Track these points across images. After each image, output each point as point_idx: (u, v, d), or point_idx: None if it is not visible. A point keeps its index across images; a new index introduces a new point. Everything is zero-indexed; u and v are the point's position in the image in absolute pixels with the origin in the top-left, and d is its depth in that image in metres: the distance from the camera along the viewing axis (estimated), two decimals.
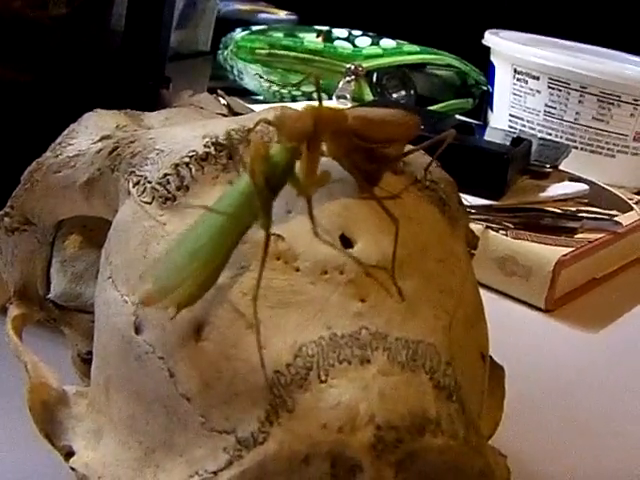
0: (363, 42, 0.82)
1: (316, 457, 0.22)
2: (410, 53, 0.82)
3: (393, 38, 0.83)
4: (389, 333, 0.24)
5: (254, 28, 0.84)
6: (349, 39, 0.82)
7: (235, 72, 0.84)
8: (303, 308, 0.24)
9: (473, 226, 0.55)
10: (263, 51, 0.80)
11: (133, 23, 0.50)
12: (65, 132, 0.32)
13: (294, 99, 0.82)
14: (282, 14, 0.94)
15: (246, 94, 0.84)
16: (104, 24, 0.51)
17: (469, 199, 0.58)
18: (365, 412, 0.22)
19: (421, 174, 0.29)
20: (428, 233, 0.27)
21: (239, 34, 0.82)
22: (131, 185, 0.28)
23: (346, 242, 0.26)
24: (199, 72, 0.64)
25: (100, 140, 0.30)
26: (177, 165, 0.27)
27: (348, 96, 0.78)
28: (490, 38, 0.77)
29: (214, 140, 0.28)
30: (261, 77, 0.80)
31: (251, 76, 0.82)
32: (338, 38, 0.82)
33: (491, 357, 0.32)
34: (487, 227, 0.55)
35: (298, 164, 0.25)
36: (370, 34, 0.83)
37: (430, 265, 0.27)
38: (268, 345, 0.24)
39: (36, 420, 0.27)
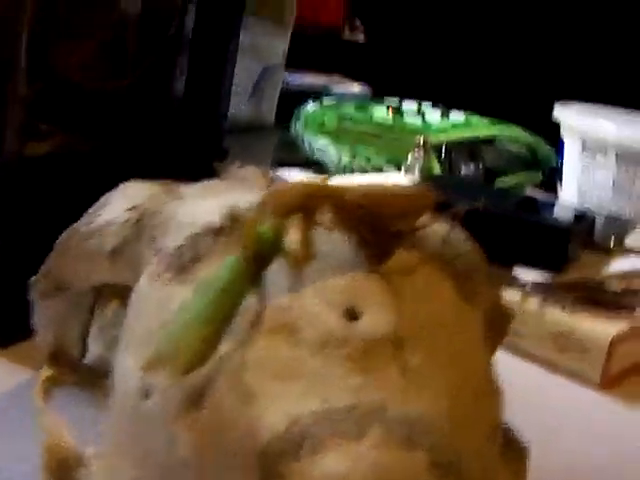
0: (432, 116, 0.82)
1: None
2: (479, 127, 0.82)
3: (463, 110, 0.83)
4: (387, 408, 0.24)
5: (325, 101, 0.86)
6: (419, 112, 0.83)
7: (307, 145, 0.85)
8: (301, 380, 0.24)
9: (531, 300, 0.55)
10: (332, 124, 0.81)
11: (191, 95, 0.52)
12: (100, 200, 0.33)
13: (364, 172, 0.83)
14: (355, 86, 0.95)
15: (319, 167, 0.86)
16: (164, 95, 0.52)
17: (529, 274, 0.58)
18: None
19: (439, 248, 0.29)
20: (439, 308, 0.27)
21: (309, 107, 0.84)
22: (152, 254, 0.29)
23: (352, 316, 0.26)
24: (263, 145, 0.65)
25: (129, 210, 0.31)
26: (192, 237, 0.28)
27: (416, 170, 0.78)
28: (559, 111, 0.77)
29: (230, 213, 0.28)
30: (330, 150, 0.81)
31: (321, 149, 0.84)
32: (408, 112, 0.83)
33: (513, 432, 0.32)
34: (544, 302, 0.54)
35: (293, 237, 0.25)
36: (440, 107, 0.84)
37: (438, 340, 0.26)
38: (263, 415, 0.24)
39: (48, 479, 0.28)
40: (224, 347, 0.25)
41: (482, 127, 0.82)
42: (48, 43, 0.46)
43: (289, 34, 0.63)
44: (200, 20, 0.52)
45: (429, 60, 1.08)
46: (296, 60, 1.02)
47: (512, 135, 0.84)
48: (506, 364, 0.52)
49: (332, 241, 0.27)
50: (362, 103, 0.86)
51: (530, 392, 0.49)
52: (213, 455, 0.24)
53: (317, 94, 0.91)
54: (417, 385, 0.25)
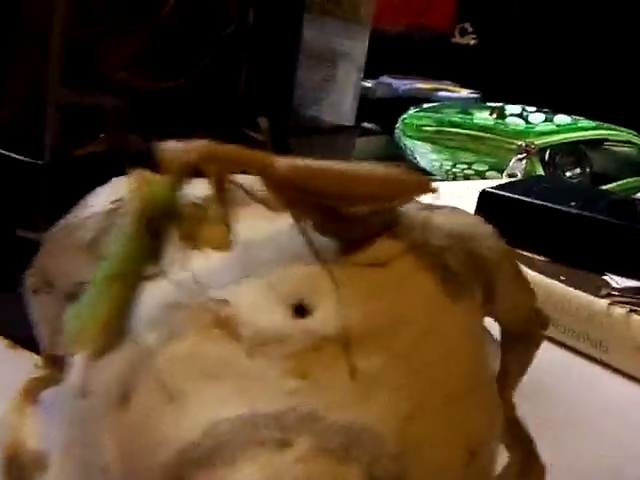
0: (536, 118, 0.78)
1: None
2: (586, 129, 0.77)
3: (571, 114, 0.78)
4: (324, 416, 0.21)
5: (425, 106, 0.82)
6: (522, 115, 0.78)
7: (409, 151, 0.82)
8: (230, 381, 0.22)
9: (617, 310, 0.50)
10: (430, 128, 0.78)
11: (253, 94, 0.50)
12: (89, 194, 0.32)
13: (467, 178, 0.79)
14: (464, 92, 0.91)
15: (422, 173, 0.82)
16: (223, 94, 0.51)
17: (618, 280, 0.53)
18: None
19: (427, 239, 0.26)
20: (410, 306, 0.24)
21: (409, 112, 0.81)
22: None
23: (300, 311, 0.23)
24: (341, 146, 0.63)
25: (114, 201, 0.30)
26: None
27: (519, 174, 0.74)
28: None
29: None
30: (430, 156, 0.78)
31: (422, 154, 0.80)
32: (511, 115, 0.78)
33: (533, 451, 0.28)
34: (631, 311, 0.49)
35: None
36: (545, 110, 0.79)
37: (406, 341, 0.23)
38: (182, 419, 0.21)
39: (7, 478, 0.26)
40: (151, 339, 0.23)
41: (589, 129, 0.77)
42: (91, 43, 0.45)
43: (367, 34, 0.61)
44: (260, 17, 0.50)
45: (539, 63, 1.03)
46: (405, 66, 0.99)
47: (621, 137, 0.78)
48: (589, 377, 0.48)
49: (283, 226, 0.24)
50: (464, 107, 0.82)
51: (614, 408, 0.44)
52: (128, 463, 0.21)
53: (425, 100, 0.88)
54: (367, 391, 0.22)
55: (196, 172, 0.22)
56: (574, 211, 0.56)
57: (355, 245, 0.25)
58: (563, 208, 0.56)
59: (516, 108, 0.80)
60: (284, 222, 0.25)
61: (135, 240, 0.22)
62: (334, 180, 0.24)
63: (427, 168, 0.83)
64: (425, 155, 0.80)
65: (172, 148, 0.22)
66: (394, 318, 0.23)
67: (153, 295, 0.24)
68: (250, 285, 0.23)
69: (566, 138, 0.76)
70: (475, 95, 0.92)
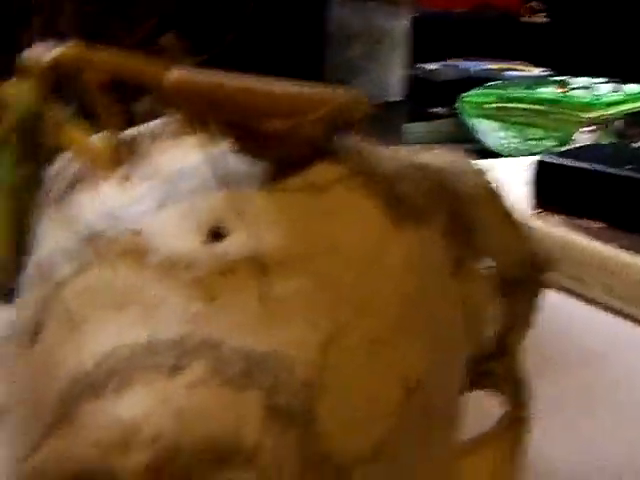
0: (604, 89, 0.74)
1: (85, 475, 0.18)
2: None
3: None
4: (225, 342, 0.19)
5: (488, 84, 0.79)
6: (588, 87, 0.74)
7: (475, 131, 0.80)
8: (135, 309, 0.20)
9: None
10: (491, 105, 0.75)
11: (279, 68, 0.49)
12: None
13: (533, 154, 0.76)
14: (536, 71, 0.88)
15: (491, 154, 0.80)
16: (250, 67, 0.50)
17: None
18: (150, 430, 0.18)
19: (374, 167, 0.24)
20: (345, 231, 0.22)
21: (472, 91, 0.78)
22: None
23: (215, 237, 0.22)
24: (387, 123, 0.61)
25: None
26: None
27: None
28: None
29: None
30: (495, 133, 0.75)
31: (487, 133, 0.77)
32: (577, 87, 0.75)
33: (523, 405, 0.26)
34: None
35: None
36: (613, 80, 0.75)
37: (333, 267, 0.21)
38: (81, 349, 0.20)
39: None
40: (62, 273, 0.21)
41: None
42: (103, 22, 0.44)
43: (408, 13, 0.59)
44: None
45: (610, 37, 0.98)
46: (474, 47, 0.96)
47: None
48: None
49: (209, 156, 0.22)
50: (529, 83, 0.78)
51: None
52: (31, 399, 0.20)
53: (493, 80, 0.85)
54: (277, 316, 0.20)
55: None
56: (630, 174, 0.52)
57: (289, 172, 0.23)
58: (619, 172, 0.53)
59: (582, 80, 0.76)
60: (212, 150, 0.23)
61: (5, 147, 0.21)
62: (233, 92, 0.22)
63: (495, 148, 0.80)
64: (491, 133, 0.77)
65: (37, 51, 0.20)
66: (324, 242, 0.21)
67: (68, 228, 0.22)
68: (165, 214, 0.22)
69: (635, 107, 0.72)
70: (546, 73, 0.88)
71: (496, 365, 0.28)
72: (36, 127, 0.20)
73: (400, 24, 0.62)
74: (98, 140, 0.21)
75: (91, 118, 0.21)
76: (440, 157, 0.28)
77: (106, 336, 0.20)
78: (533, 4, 1.04)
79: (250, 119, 0.22)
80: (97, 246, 0.22)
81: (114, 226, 0.22)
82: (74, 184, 0.24)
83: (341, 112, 0.23)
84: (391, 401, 0.20)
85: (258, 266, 0.20)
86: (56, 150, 0.21)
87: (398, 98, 0.60)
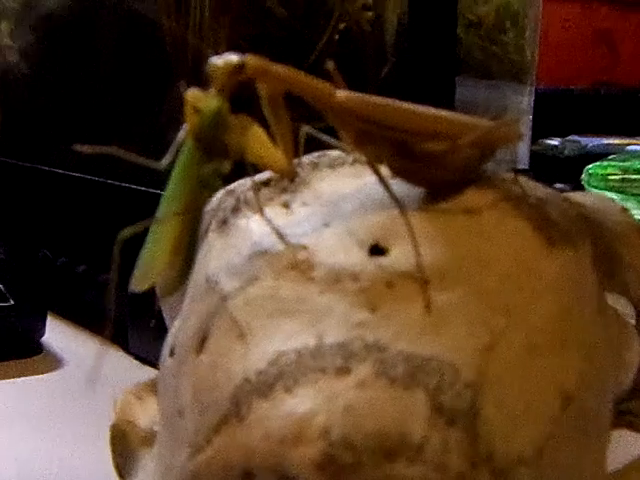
0: None
1: (255, 469, 0.19)
2: None
3: None
4: (390, 346, 0.20)
5: (611, 157, 0.79)
6: None
7: None
8: (301, 317, 0.21)
9: None
10: (616, 177, 0.75)
11: None
12: None
13: None
14: None
15: None
16: None
17: None
18: (319, 425, 0.19)
19: (524, 192, 0.25)
20: (498, 248, 0.23)
21: (594, 164, 0.78)
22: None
23: (379, 252, 0.22)
24: None
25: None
26: (243, 191, 0.26)
27: None
28: None
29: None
30: None
31: None
32: None
33: None
34: None
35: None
36: None
37: (488, 280, 0.22)
38: (250, 353, 0.21)
39: (113, 456, 0.27)
40: (229, 286, 0.23)
41: None
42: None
43: (531, 90, 0.60)
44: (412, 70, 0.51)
45: None
46: (595, 124, 0.96)
47: None
48: None
49: (368, 182, 0.24)
50: None
51: None
52: (200, 401, 0.21)
53: (612, 154, 0.85)
54: (440, 326, 0.21)
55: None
56: None
57: (442, 194, 0.24)
58: None
59: None
60: (369, 178, 0.25)
61: (189, 157, 0.22)
62: (396, 112, 0.23)
63: None
64: None
65: (222, 58, 0.22)
66: (478, 258, 0.22)
67: (234, 247, 0.24)
68: (329, 232, 0.23)
69: None
70: None
71: (634, 404, 0.28)
72: (220, 130, 0.22)
73: (524, 100, 0.63)
74: (279, 148, 0.22)
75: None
76: (584, 195, 0.29)
77: (274, 341, 0.21)
78: None
79: (411, 139, 0.23)
80: (262, 261, 0.23)
81: (279, 243, 0.23)
82: (236, 211, 0.25)
83: (494, 138, 0.24)
84: (549, 407, 0.21)
85: (420, 279, 0.21)
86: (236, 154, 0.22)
87: (526, 166, 0.61)
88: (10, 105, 0.70)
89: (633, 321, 0.29)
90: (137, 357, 0.49)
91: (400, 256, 0.22)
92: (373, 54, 0.53)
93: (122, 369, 0.47)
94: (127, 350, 0.50)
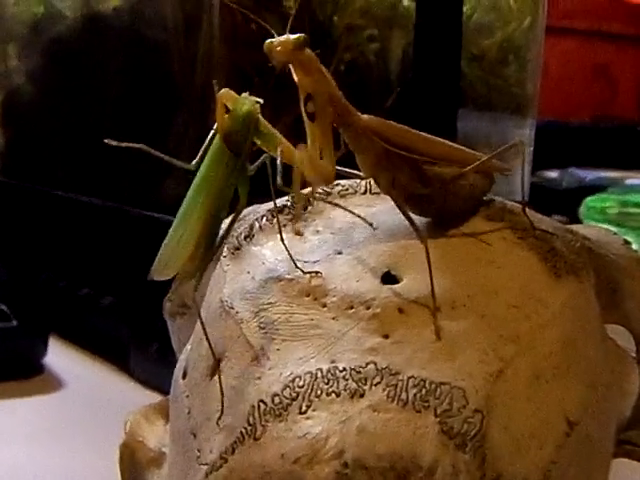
0: None
1: None
2: None
3: None
4: (402, 371, 0.21)
5: (609, 190, 0.80)
6: None
7: None
8: (315, 342, 0.22)
9: None
10: (613, 210, 0.76)
11: None
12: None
13: None
14: None
15: None
16: None
17: None
18: (333, 446, 0.19)
19: (531, 223, 0.25)
20: (506, 278, 0.23)
21: (591, 197, 0.79)
22: None
23: (391, 280, 0.23)
24: None
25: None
26: (257, 218, 0.27)
27: None
28: None
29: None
30: None
31: None
32: None
33: None
34: None
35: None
36: None
37: (497, 309, 0.23)
38: (265, 376, 0.22)
39: (121, 475, 0.27)
40: (243, 309, 0.23)
41: None
42: None
43: (532, 123, 0.61)
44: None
45: None
46: (593, 156, 0.97)
47: None
48: None
49: (378, 210, 0.24)
50: None
51: None
52: (213, 421, 0.22)
53: (609, 187, 0.86)
54: (451, 350, 0.21)
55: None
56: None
57: (452, 223, 0.25)
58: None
59: None
60: (379, 207, 0.25)
61: (217, 154, 0.22)
62: (413, 135, 0.24)
63: None
64: None
65: (284, 37, 0.22)
66: (488, 287, 0.23)
67: (248, 273, 0.24)
68: (342, 260, 0.24)
69: None
70: None
71: (634, 434, 0.29)
72: (251, 132, 0.22)
73: (525, 132, 0.64)
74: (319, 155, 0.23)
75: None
76: (587, 228, 0.29)
77: (288, 365, 0.21)
78: None
79: (425, 162, 0.24)
80: (277, 287, 0.23)
81: (293, 269, 0.23)
82: (250, 237, 0.26)
83: (497, 165, 0.25)
84: (554, 433, 0.21)
85: (432, 306, 0.22)
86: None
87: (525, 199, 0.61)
88: (15, 127, 0.70)
89: (633, 353, 0.29)
90: (138, 380, 0.49)
91: (411, 284, 0.23)
92: (377, 85, 0.53)
93: (123, 392, 0.48)
94: (129, 373, 0.50)
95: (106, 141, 0.23)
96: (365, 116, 0.24)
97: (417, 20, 0.50)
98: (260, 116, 0.22)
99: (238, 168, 0.22)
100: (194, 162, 0.23)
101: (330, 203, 0.25)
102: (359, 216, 0.25)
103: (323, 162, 0.22)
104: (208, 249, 0.23)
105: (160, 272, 0.23)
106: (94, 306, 0.55)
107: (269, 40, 0.22)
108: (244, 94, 0.22)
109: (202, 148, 0.23)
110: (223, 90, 0.22)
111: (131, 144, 0.23)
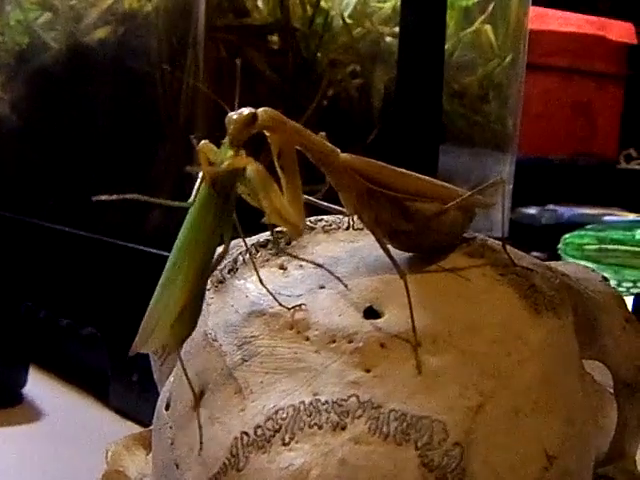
0: None
1: None
2: None
3: None
4: (384, 404, 0.21)
5: (588, 226, 0.81)
6: None
7: None
8: (297, 375, 0.22)
9: None
10: (592, 247, 0.77)
11: None
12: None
13: (631, 295, 0.76)
14: (631, 216, 0.89)
15: None
16: None
17: None
18: (315, 477, 0.20)
19: (511, 260, 0.26)
20: (487, 314, 0.24)
21: (570, 234, 0.80)
22: None
23: (373, 314, 0.23)
24: None
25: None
26: (240, 252, 0.27)
27: None
28: None
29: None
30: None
31: None
32: None
33: None
34: None
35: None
36: None
37: (477, 345, 0.23)
38: (248, 409, 0.22)
39: None
40: (226, 342, 0.23)
41: None
42: None
43: (512, 159, 0.62)
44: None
45: None
46: (572, 193, 0.98)
47: None
48: None
49: (361, 246, 0.25)
50: (628, 227, 0.80)
51: None
52: (197, 452, 0.22)
53: (588, 224, 0.87)
54: (432, 384, 0.22)
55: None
56: None
57: (433, 259, 0.25)
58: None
59: None
60: (362, 243, 0.26)
61: (205, 200, 0.23)
62: (394, 173, 0.25)
63: None
64: None
65: (237, 114, 0.23)
66: (468, 323, 0.23)
67: (232, 306, 0.25)
68: (324, 294, 0.24)
69: None
70: None
71: (611, 469, 0.29)
72: (230, 185, 0.23)
73: (505, 169, 0.65)
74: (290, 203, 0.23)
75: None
76: (566, 265, 0.30)
77: (271, 398, 0.22)
78: (630, 151, 1.07)
79: (406, 199, 0.24)
80: (261, 320, 0.24)
81: (275, 303, 0.24)
82: (234, 271, 0.26)
83: (477, 201, 0.26)
84: (533, 468, 0.22)
85: (413, 341, 0.22)
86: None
87: (504, 234, 0.62)
88: None
89: (610, 388, 0.30)
90: (118, 411, 0.49)
91: (393, 319, 0.23)
92: (360, 120, 0.54)
93: (103, 423, 0.47)
94: (108, 404, 0.50)
95: (94, 198, 0.23)
96: (346, 155, 0.24)
97: (400, 56, 0.51)
98: (249, 165, 0.23)
99: (226, 214, 0.23)
100: (190, 200, 0.23)
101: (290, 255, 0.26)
102: (311, 262, 0.25)
103: (292, 213, 0.23)
104: (194, 311, 0.23)
105: (143, 344, 0.23)
106: (74, 336, 0.55)
107: (227, 117, 0.23)
108: (225, 142, 0.23)
109: (195, 188, 0.23)
110: (202, 143, 0.23)
111: (122, 196, 0.23)
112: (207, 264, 0.23)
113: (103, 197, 0.23)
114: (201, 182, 0.23)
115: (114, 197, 0.23)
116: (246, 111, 0.22)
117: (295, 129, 0.23)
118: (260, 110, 0.23)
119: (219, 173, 0.22)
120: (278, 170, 0.23)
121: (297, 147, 0.24)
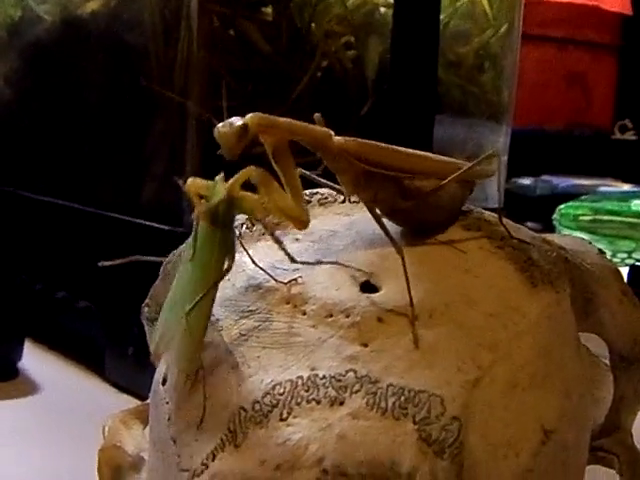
0: None
1: None
2: None
3: None
4: (381, 379, 0.21)
5: (583, 197, 0.81)
6: None
7: None
8: (294, 349, 0.22)
9: None
10: (586, 217, 0.77)
11: None
12: None
13: (626, 266, 0.77)
14: (626, 187, 0.89)
15: None
16: None
17: None
18: (313, 452, 0.20)
19: (508, 233, 0.26)
20: (484, 286, 0.24)
21: (565, 204, 0.80)
22: None
23: (370, 289, 0.23)
24: None
25: None
26: (237, 226, 0.27)
27: None
28: None
29: None
30: None
31: None
32: None
33: None
34: None
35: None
36: None
37: (474, 318, 0.23)
38: (245, 383, 0.22)
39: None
40: (224, 318, 0.23)
41: None
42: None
43: (507, 130, 0.62)
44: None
45: None
46: (567, 164, 0.98)
47: None
48: None
49: (358, 219, 0.24)
50: (623, 197, 0.80)
51: None
52: (193, 428, 0.22)
53: (586, 194, 0.87)
54: (429, 359, 0.22)
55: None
56: None
57: (430, 233, 0.25)
58: None
59: None
60: (358, 216, 0.26)
61: (207, 240, 0.23)
62: (390, 152, 0.24)
63: None
64: None
65: (228, 128, 0.22)
66: (465, 296, 0.23)
67: (229, 280, 0.25)
68: (321, 268, 0.24)
69: None
70: (637, 189, 0.89)
71: (607, 441, 0.29)
72: (232, 210, 0.23)
73: (500, 139, 0.64)
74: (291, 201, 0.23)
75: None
76: (563, 238, 0.30)
77: (268, 373, 0.22)
78: (625, 122, 1.07)
79: (404, 177, 0.24)
80: (257, 295, 0.24)
81: (267, 278, 0.24)
82: None
83: (475, 174, 0.26)
84: (530, 441, 0.22)
85: (410, 315, 0.22)
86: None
87: (499, 204, 0.62)
88: None
89: (606, 360, 0.30)
90: (114, 384, 0.49)
91: (390, 293, 0.23)
92: (354, 91, 0.54)
93: (99, 396, 0.48)
94: (104, 376, 0.50)
95: (100, 264, 0.23)
96: (340, 139, 0.24)
97: (394, 27, 0.50)
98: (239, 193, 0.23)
99: (229, 240, 0.23)
100: (190, 240, 0.23)
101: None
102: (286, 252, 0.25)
103: (295, 209, 0.23)
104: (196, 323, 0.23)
105: (160, 349, 0.24)
106: (70, 309, 0.55)
107: (216, 130, 0.23)
108: (218, 177, 0.23)
109: (191, 241, 0.23)
110: (189, 182, 0.23)
111: (124, 259, 0.23)
112: (217, 286, 0.23)
113: (107, 263, 0.23)
114: (198, 221, 0.23)
115: (118, 261, 0.24)
116: (236, 123, 0.22)
117: (286, 126, 0.23)
118: (248, 118, 0.22)
119: (215, 208, 0.22)
120: (275, 168, 0.23)
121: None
